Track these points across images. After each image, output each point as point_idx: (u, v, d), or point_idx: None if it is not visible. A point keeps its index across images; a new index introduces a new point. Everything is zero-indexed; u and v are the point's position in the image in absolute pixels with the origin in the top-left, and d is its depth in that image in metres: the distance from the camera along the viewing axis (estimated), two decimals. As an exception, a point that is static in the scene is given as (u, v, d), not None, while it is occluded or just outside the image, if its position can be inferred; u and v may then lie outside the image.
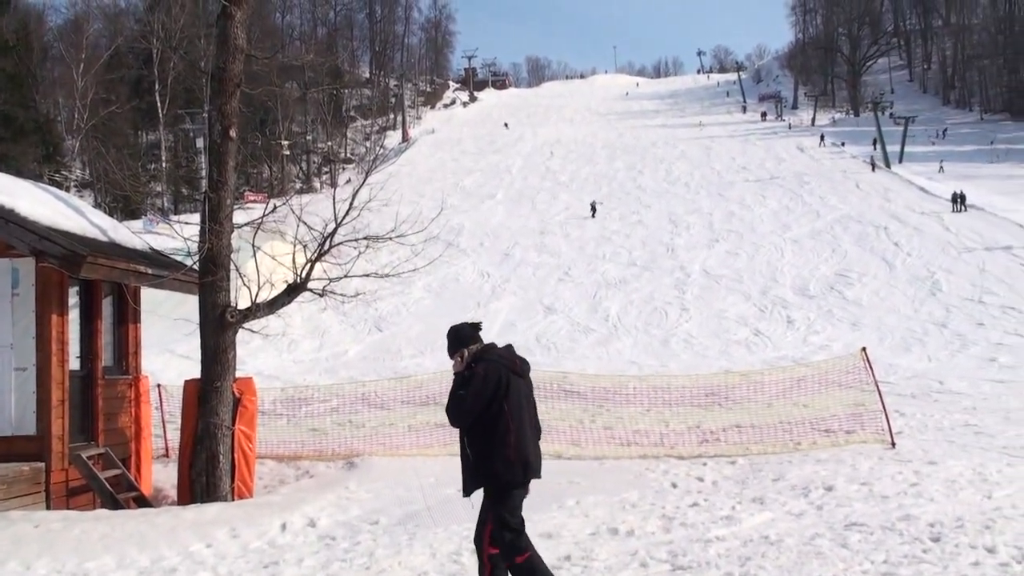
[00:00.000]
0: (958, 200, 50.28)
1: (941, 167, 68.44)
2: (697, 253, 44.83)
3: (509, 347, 7.39)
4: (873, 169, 67.85)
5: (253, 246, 15.05)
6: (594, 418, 18.77)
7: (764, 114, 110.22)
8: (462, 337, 7.26)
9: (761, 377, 19.97)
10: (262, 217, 13.94)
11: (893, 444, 15.32)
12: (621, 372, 24.48)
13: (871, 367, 16.95)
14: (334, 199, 14.03)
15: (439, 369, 20.88)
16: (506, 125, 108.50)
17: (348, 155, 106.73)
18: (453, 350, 7.25)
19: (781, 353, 28.10)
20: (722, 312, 34.79)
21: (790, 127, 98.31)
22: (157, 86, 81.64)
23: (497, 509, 6.95)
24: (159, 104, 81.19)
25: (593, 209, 53.69)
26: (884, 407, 16.16)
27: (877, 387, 16.50)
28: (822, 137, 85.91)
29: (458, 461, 7.24)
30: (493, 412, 6.93)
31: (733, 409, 18.64)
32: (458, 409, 6.92)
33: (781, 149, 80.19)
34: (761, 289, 37.79)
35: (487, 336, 27.24)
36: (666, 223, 52.24)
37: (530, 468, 7.04)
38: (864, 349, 17.83)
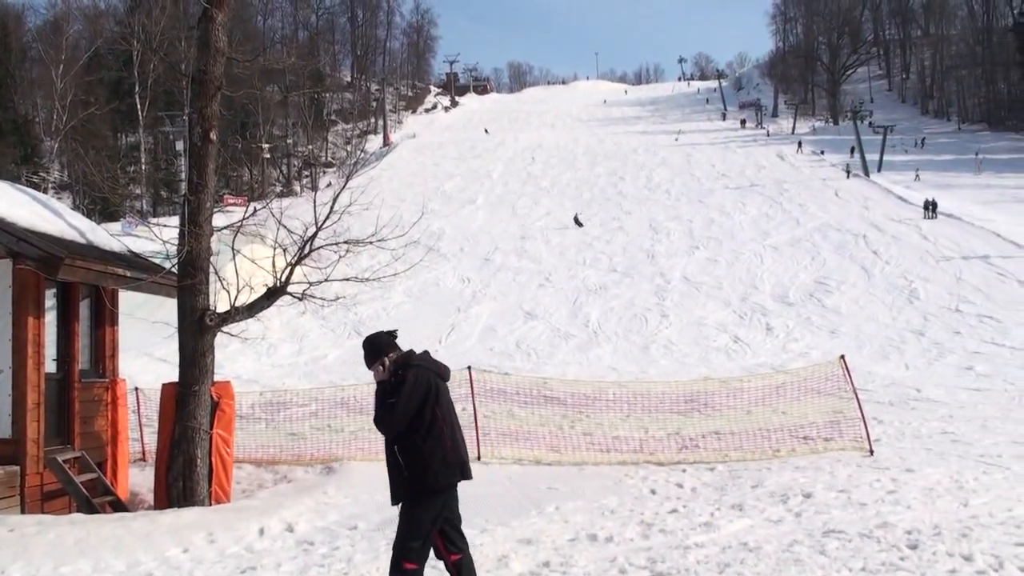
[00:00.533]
0: (930, 207, 51.30)
1: (917, 175, 69.13)
2: (677, 260, 44.93)
3: (426, 353, 7.32)
4: (848, 176, 68.48)
5: (233, 249, 14.93)
6: (573, 424, 18.77)
7: (743, 122, 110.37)
8: (380, 346, 7.17)
9: (740, 384, 20.05)
10: (242, 220, 13.79)
11: (871, 451, 15.38)
12: (601, 378, 24.47)
13: (849, 375, 17.01)
14: (314, 203, 13.97)
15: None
16: (486, 131, 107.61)
17: (329, 159, 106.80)
18: (372, 360, 7.14)
19: (760, 360, 28.20)
20: (702, 319, 34.86)
21: (769, 135, 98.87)
22: (137, 88, 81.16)
23: (418, 514, 6.85)
24: (139, 106, 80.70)
25: (578, 222, 52.98)
26: (863, 414, 16.22)
27: (855, 395, 16.57)
28: (799, 144, 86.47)
29: None
30: (426, 417, 6.86)
31: (712, 416, 18.72)
32: (391, 416, 6.83)
33: (761, 157, 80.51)
34: (741, 296, 37.92)
35: (471, 340, 30.53)
36: (647, 229, 52.42)
37: (466, 468, 7.04)
38: (843, 357, 17.90)
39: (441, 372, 7.15)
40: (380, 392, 6.99)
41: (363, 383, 21.75)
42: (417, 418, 6.85)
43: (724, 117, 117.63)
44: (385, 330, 7.47)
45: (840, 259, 43.05)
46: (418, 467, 6.83)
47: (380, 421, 6.92)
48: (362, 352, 7.30)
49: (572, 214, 55.06)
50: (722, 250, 46.59)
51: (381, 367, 7.10)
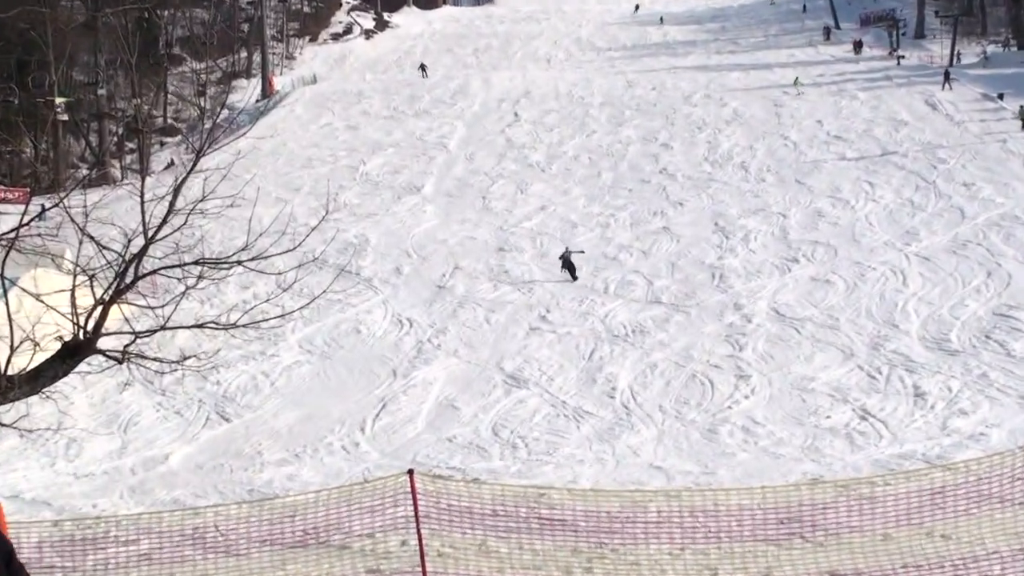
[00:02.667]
0: None
1: None
2: (763, 281, 29.53)
3: None
4: None
5: (2, 277, 10.09)
6: (591, 564, 11.59)
7: (858, 45, 69.16)
8: None
9: (872, 490, 12.35)
10: (19, 227, 10.51)
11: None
12: (638, 485, 16.21)
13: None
14: (142, 197, 10.85)
15: (324, 484, 14.01)
16: (423, 68, 69.77)
17: (169, 121, 69.71)
18: None
19: (905, 448, 18.31)
20: (806, 380, 22.51)
21: (912, 67, 61.82)
22: None
23: None
24: None
25: (570, 266, 31.51)
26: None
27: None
28: (946, 78, 53.39)
29: None
30: None
31: (825, 545, 11.78)
32: None
33: (898, 105, 51.14)
34: (870, 340, 24.61)
35: (416, 425, 21.09)
36: (710, 231, 35.03)
37: None
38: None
39: None
40: None
41: (232, 503, 13.76)
42: None
43: (828, 35, 76.35)
44: None
45: (1037, 275, 27.29)
46: None
47: None
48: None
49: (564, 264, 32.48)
50: (838, 263, 30.59)
51: None
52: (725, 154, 45.59)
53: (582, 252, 31.38)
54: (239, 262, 10.90)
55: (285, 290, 15.03)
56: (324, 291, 16.38)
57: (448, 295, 31.13)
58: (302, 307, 15.05)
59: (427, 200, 42.29)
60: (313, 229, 13.70)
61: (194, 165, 11.03)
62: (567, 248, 31.62)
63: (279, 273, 16.17)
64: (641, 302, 29.33)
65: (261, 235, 11.72)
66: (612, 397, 22.38)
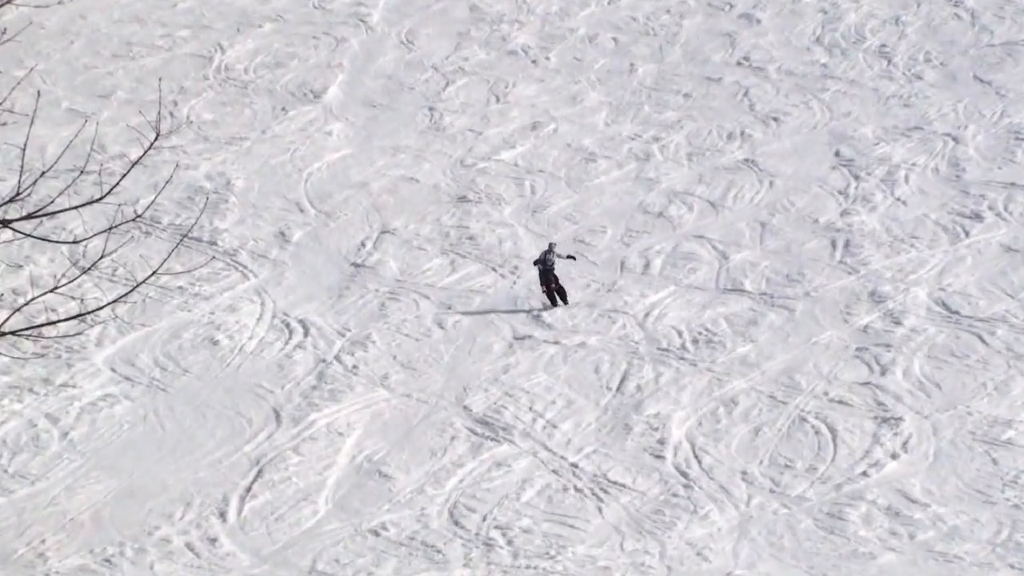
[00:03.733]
0: None
1: None
2: (919, 253, 22.72)
3: None
4: None
5: None
6: None
7: None
8: None
9: None
10: None
11: None
12: None
13: None
14: None
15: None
16: None
17: None
18: None
19: None
20: (998, 427, 18.49)
21: None
22: None
23: None
24: None
25: (552, 285, 21.71)
26: None
27: None
28: None
29: None
30: None
31: None
32: None
33: None
34: None
35: (316, 511, 16.96)
36: (826, 167, 26.47)
37: None
38: None
39: None
40: None
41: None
42: None
43: None
44: None
45: None
46: None
47: None
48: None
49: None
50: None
51: None
52: (851, 32, 33.50)
53: (572, 259, 22.04)
54: (3, 222, 10.59)
55: (86, 271, 12.88)
56: (153, 273, 13.86)
57: (371, 279, 22.95)
58: (116, 300, 13.28)
59: (332, 114, 31.24)
60: (133, 165, 12.39)
61: None
62: (550, 246, 21.64)
63: (75, 241, 15.63)
64: (708, 290, 21.96)
65: (43, 175, 10.98)
66: (659, 456, 17.06)
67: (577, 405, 18.07)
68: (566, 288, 20.83)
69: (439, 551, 14.53)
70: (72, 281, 12.62)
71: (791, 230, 23.30)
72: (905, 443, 16.49)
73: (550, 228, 23.40)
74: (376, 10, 36.41)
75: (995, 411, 16.95)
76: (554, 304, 20.48)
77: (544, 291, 20.57)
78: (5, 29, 22.00)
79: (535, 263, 20.55)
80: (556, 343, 19.64)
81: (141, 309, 20.83)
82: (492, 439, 16.96)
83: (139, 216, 14.01)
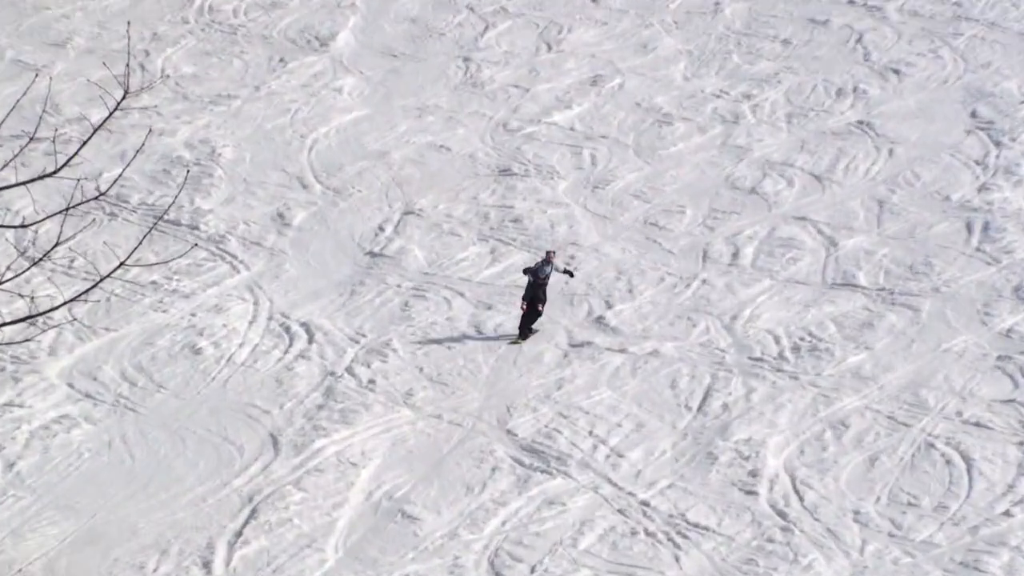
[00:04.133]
0: None
1: None
2: None
3: None
4: None
5: None
6: None
7: None
8: None
9: None
10: None
11: None
12: None
13: None
14: None
15: None
16: None
17: None
18: None
19: None
20: None
21: None
22: None
23: None
24: None
25: (538, 279, 18.66)
26: None
27: None
28: None
29: None
30: None
31: None
32: None
33: None
34: None
35: (322, 555, 15.37)
36: (959, 130, 24.98)
37: None
38: None
39: None
40: None
41: None
42: None
43: None
44: None
45: None
46: None
47: None
48: None
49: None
50: None
51: None
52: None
53: (570, 275, 18.88)
54: None
55: (36, 262, 12.25)
56: (121, 264, 11.47)
57: (391, 272, 20.21)
58: (74, 298, 12.07)
59: (343, 67, 27.96)
60: (96, 131, 10.96)
61: None
62: (547, 255, 18.64)
63: (23, 225, 14.25)
64: (812, 285, 19.35)
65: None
66: (751, 492, 15.13)
67: (648, 428, 15.86)
68: (533, 321, 17.49)
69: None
70: (19, 275, 12.19)
71: (916, 210, 20.75)
72: (1058, 475, 14.93)
73: (615, 208, 20.56)
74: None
75: None
76: (523, 336, 17.43)
77: (523, 308, 17.32)
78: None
79: (525, 272, 17.54)
80: (622, 351, 17.19)
81: (105, 310, 18.57)
82: (543, 471, 14.81)
83: (103, 194, 12.33)
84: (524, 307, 17.01)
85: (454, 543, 13.62)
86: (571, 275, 18.04)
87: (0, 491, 15.19)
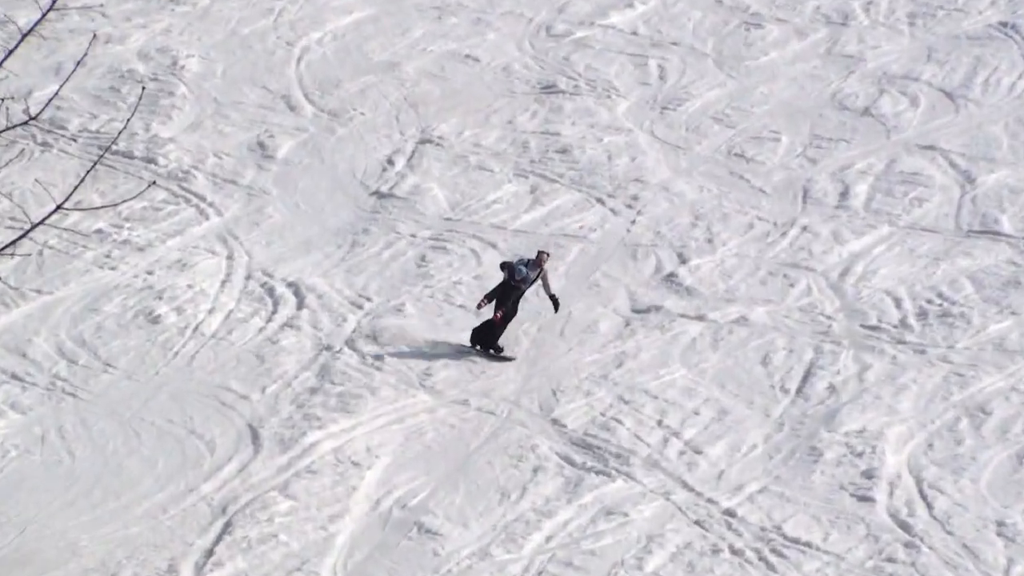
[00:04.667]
0: None
1: None
2: None
3: None
4: None
5: None
6: None
7: None
8: None
9: None
10: None
11: None
12: None
13: None
14: None
15: None
16: None
17: None
18: None
19: None
20: None
21: None
22: None
23: None
24: None
25: (514, 280, 14.69)
26: None
27: None
28: None
29: None
30: None
31: None
32: None
33: None
34: None
35: None
36: None
37: None
38: None
39: None
40: None
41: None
42: None
43: None
44: None
45: None
46: None
47: None
48: None
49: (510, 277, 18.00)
50: None
51: None
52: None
53: (555, 304, 14.62)
54: None
55: None
56: (58, 207, 10.13)
57: (403, 217, 17.39)
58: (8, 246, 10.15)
59: None
60: (24, 38, 9.57)
61: None
62: (539, 256, 14.56)
63: None
64: (943, 232, 16.68)
65: None
66: (866, 498, 12.56)
67: (734, 417, 13.01)
68: (500, 345, 13.82)
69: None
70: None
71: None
72: None
73: (690, 135, 17.54)
74: None
75: None
76: (475, 344, 13.75)
77: (480, 305, 13.58)
78: None
79: (502, 267, 13.98)
80: (700, 318, 14.25)
81: (37, 266, 15.52)
82: (598, 472, 12.08)
83: (33, 119, 10.61)
84: (498, 316, 13.47)
85: (485, 564, 11.21)
86: (555, 305, 13.97)
87: (-99, 500, 12.48)
